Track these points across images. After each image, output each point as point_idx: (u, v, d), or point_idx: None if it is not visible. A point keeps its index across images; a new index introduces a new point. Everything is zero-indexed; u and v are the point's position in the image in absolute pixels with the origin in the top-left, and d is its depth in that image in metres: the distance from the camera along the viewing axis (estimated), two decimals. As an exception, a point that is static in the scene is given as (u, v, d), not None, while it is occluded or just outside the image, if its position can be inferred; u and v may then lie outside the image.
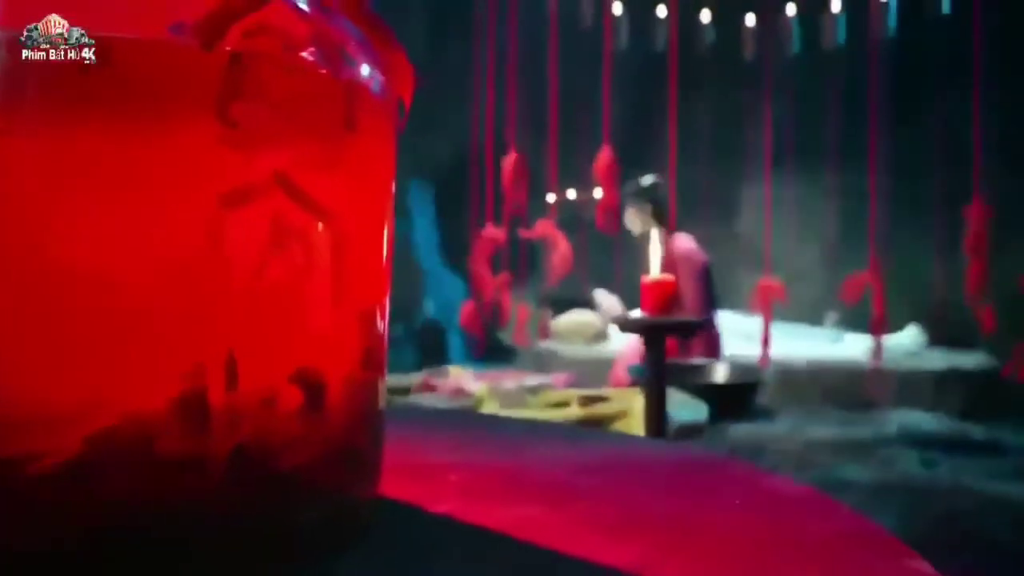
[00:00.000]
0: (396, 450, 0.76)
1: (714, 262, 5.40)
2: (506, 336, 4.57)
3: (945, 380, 2.93)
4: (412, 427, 0.95)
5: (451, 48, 3.31)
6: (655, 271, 1.07)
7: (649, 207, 2.80)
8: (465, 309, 3.31)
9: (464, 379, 1.88)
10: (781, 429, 1.34)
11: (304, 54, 0.35)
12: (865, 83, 3.91)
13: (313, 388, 0.36)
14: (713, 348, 2.60)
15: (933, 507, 0.94)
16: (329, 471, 0.38)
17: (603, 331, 3.52)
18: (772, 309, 2.43)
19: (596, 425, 1.40)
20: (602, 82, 2.68)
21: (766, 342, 2.42)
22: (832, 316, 4.82)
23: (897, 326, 3.81)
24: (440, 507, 0.49)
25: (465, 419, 1.13)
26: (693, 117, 4.83)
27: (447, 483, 0.57)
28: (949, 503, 0.95)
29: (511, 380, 1.89)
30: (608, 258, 4.05)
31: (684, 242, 2.75)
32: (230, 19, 0.32)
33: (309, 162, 0.33)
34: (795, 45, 3.85)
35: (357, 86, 0.39)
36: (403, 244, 7.38)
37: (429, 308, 6.11)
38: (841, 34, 3.63)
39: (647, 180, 2.84)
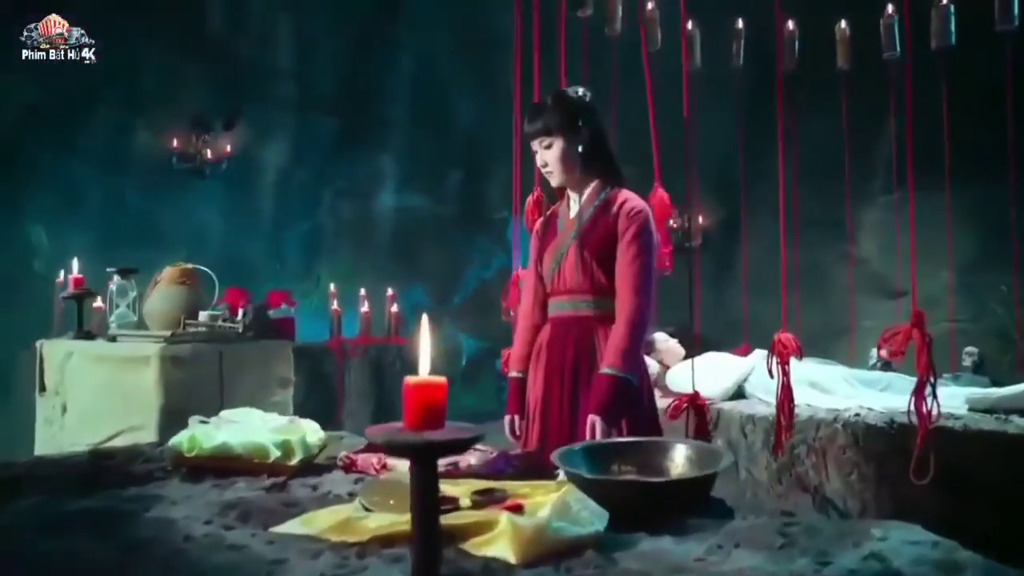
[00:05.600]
0: None
1: (833, 289, 4.78)
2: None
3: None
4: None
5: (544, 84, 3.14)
6: (424, 368, 0.80)
7: (580, 135, 1.88)
8: (505, 352, 3.13)
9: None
10: (692, 552, 1.01)
11: None
12: (979, 86, 3.33)
13: None
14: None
15: None
16: None
17: (659, 377, 3.19)
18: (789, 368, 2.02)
19: (462, 538, 1.06)
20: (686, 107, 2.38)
21: (786, 416, 1.99)
22: (972, 352, 4.10)
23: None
24: None
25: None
26: (792, 134, 4.36)
27: None
28: None
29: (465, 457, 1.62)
30: (669, 303, 3.70)
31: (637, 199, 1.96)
32: None
33: None
34: (896, 46, 3.34)
35: None
36: (505, 278, 7.24)
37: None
38: (952, 32, 3.10)
39: (574, 90, 1.96)
